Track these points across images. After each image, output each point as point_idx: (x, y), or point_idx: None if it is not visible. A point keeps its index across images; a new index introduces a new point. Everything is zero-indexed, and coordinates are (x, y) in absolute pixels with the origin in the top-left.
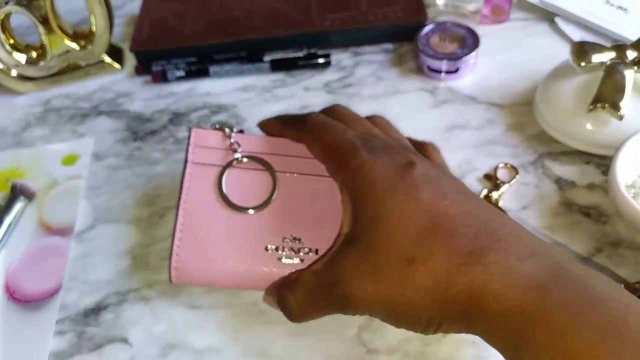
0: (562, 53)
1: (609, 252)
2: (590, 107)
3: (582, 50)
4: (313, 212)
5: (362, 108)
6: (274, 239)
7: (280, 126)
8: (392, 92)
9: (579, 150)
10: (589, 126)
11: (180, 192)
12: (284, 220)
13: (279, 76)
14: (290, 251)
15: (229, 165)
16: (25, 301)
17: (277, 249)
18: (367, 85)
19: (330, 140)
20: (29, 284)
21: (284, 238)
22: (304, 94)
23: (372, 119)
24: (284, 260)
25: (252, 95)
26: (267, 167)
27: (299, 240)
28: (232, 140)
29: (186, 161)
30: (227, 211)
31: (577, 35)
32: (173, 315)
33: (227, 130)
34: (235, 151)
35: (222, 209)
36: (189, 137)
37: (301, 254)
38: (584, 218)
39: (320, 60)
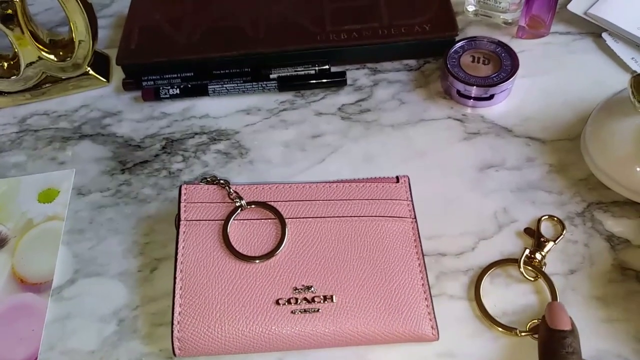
0: (613, 77)
1: None
2: None
3: None
4: (322, 255)
5: (382, 139)
6: (282, 289)
7: None
8: (416, 120)
9: (633, 201)
10: None
11: (176, 254)
12: (293, 268)
13: (286, 96)
14: (304, 302)
15: (232, 214)
16: None
17: (289, 302)
18: (388, 111)
19: None
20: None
21: (295, 288)
22: (315, 119)
23: None
24: (298, 314)
25: (256, 118)
26: (274, 212)
27: (311, 288)
28: (231, 190)
29: (179, 220)
30: (231, 266)
31: (628, 54)
32: None
33: (222, 182)
34: (237, 201)
35: (226, 264)
36: (179, 195)
37: (316, 302)
38: None
39: (335, 79)
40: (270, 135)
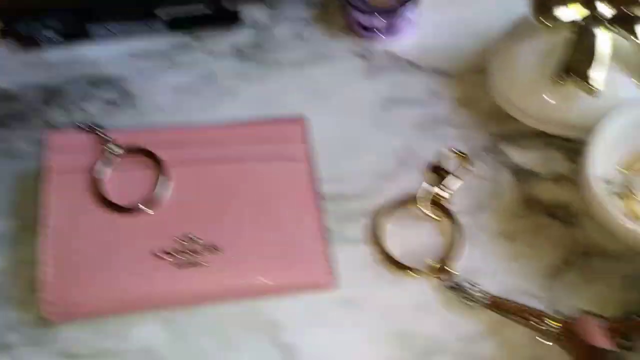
0: (521, 2)
1: (580, 266)
2: (555, 78)
3: (543, 3)
4: (208, 203)
5: (282, 79)
6: (164, 241)
7: None
8: (317, 56)
9: (540, 131)
10: (552, 101)
11: (44, 209)
12: (176, 218)
13: (181, 39)
14: (188, 254)
15: (106, 162)
16: None
17: (171, 254)
18: (287, 49)
19: None
20: None
21: (178, 240)
22: (209, 60)
23: None
24: (183, 267)
25: (147, 64)
26: (153, 159)
27: (194, 238)
28: (105, 136)
29: (46, 172)
30: (106, 219)
31: None
32: None
33: (94, 127)
34: (111, 148)
35: (100, 218)
36: (45, 144)
37: (201, 254)
38: (549, 220)
39: (229, 17)
40: (161, 79)
